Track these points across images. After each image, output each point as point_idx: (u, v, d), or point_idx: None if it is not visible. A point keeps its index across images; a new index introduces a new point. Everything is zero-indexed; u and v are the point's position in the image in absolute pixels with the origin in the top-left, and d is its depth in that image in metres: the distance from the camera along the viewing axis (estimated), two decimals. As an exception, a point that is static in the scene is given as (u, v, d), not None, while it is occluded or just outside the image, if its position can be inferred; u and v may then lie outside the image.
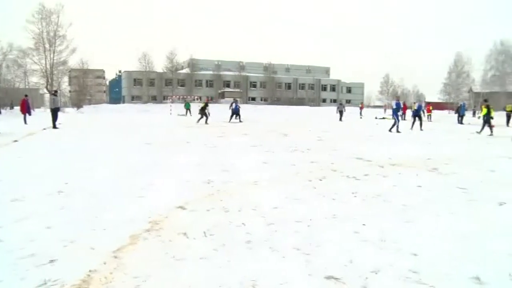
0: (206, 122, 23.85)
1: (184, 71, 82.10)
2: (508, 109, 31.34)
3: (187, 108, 38.66)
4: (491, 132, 19.17)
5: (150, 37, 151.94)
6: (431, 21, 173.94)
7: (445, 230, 4.46)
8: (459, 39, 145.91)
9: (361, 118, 40.92)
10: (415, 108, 22.57)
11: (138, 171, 7.73)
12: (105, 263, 3.42)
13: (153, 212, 4.92)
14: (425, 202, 5.75)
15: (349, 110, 50.32)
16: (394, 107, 20.42)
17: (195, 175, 7.31)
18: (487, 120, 19.91)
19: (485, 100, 19.50)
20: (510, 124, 29.44)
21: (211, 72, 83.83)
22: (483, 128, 19.76)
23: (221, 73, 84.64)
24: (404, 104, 40.87)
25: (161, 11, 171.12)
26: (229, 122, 26.34)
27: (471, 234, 4.36)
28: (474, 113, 44.80)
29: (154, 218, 4.70)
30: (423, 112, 26.86)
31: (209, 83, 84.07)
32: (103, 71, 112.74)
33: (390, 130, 19.27)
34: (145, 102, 72.58)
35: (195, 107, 30.67)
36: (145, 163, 8.72)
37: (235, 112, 27.48)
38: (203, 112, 24.21)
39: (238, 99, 35.70)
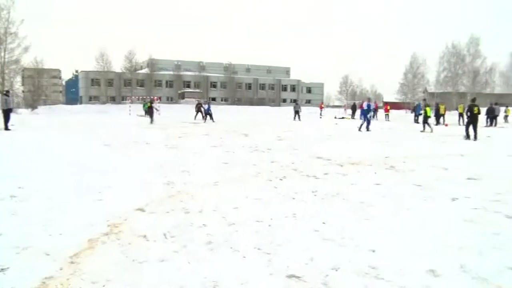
0: (151, 122, 24.30)
1: (143, 71, 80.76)
2: (460, 110, 32.83)
3: (146, 109, 38.07)
4: (424, 129, 20.44)
5: (108, 36, 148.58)
6: (390, 22, 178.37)
7: (402, 226, 4.59)
8: (415, 40, 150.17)
9: (321, 117, 41.50)
10: (364, 107, 22.75)
11: (96, 173, 7.55)
12: (61, 269, 3.33)
13: (112, 215, 4.83)
14: (383, 199, 5.90)
15: (309, 110, 51.04)
16: (365, 108, 20.74)
17: (155, 177, 7.22)
18: (424, 119, 21.39)
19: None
20: (461, 123, 30.81)
21: (171, 72, 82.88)
22: (424, 126, 20.91)
23: (181, 73, 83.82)
24: (375, 104, 42.04)
25: (119, 9, 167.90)
26: (204, 122, 26.85)
27: (426, 229, 4.51)
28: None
29: (113, 221, 4.62)
30: (374, 112, 27.63)
31: (169, 84, 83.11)
32: (59, 71, 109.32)
33: (359, 129, 19.62)
34: (104, 103, 70.85)
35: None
36: (103, 165, 8.54)
37: (207, 113, 27.77)
38: (150, 111, 24.69)
39: (207, 100, 35.82)
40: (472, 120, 16.53)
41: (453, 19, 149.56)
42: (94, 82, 78.30)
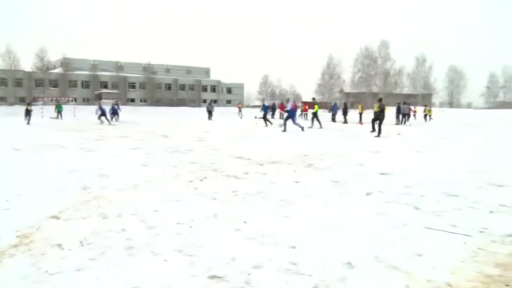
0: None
1: (56, 70, 76.69)
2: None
3: (59, 111, 36.27)
4: (312, 125, 21.96)
5: (14, 32, 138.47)
6: (307, 23, 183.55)
7: (320, 222, 4.75)
8: (332, 41, 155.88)
9: (241, 118, 41.87)
10: (287, 108, 23.17)
11: (3, 180, 7.06)
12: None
13: (22, 225, 4.53)
14: (301, 196, 6.07)
15: (230, 111, 51.26)
16: (288, 108, 20.98)
17: (70, 182, 6.89)
18: (314, 116, 23.56)
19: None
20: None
21: (86, 73, 79.50)
22: (312, 123, 22.36)
23: (98, 73, 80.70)
24: (294, 104, 42.97)
25: (27, 4, 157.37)
26: (109, 124, 25.83)
27: (342, 223, 4.71)
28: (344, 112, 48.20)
29: (23, 232, 4.33)
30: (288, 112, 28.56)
31: (85, 84, 79.71)
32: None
33: (303, 130, 19.84)
34: (12, 104, 66.17)
35: (70, 109, 28.87)
36: (12, 171, 8.00)
37: (115, 112, 27.07)
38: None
39: (118, 100, 34.85)
40: (375, 117, 17.77)
41: (366, 22, 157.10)
42: (1, 81, 73.00)
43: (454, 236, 4.30)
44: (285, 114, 20.63)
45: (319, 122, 23.16)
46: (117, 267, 3.42)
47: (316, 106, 24.49)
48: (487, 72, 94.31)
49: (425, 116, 41.83)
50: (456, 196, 6.13)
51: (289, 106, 20.90)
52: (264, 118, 26.16)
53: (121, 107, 28.35)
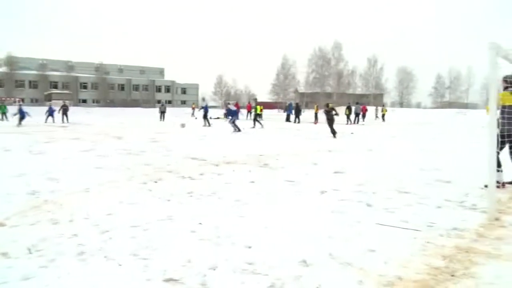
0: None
1: (0, 70, 73.49)
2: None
3: (3, 112, 34.73)
4: (254, 125, 22.38)
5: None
6: (262, 22, 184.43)
7: (276, 221, 4.79)
8: (286, 42, 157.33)
9: (195, 118, 41.66)
10: (229, 108, 23.00)
11: None
12: None
13: (-35, 233, 4.31)
14: (257, 196, 6.10)
15: (185, 111, 50.82)
16: (232, 109, 21.03)
17: (18, 186, 6.58)
18: (255, 117, 24.43)
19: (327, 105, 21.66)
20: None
21: (34, 72, 76.60)
22: (254, 123, 22.79)
23: (47, 73, 77.95)
24: (249, 104, 43.83)
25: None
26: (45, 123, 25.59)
27: (298, 222, 4.77)
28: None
29: (-34, 240, 4.12)
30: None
31: (33, 84, 76.87)
32: None
33: (239, 131, 19.81)
34: None
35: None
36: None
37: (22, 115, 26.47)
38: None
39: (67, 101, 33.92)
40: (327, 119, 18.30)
41: (319, 23, 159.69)
42: None
43: (404, 231, 4.45)
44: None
45: (260, 123, 23.65)
46: (68, 274, 3.30)
47: (258, 107, 25.00)
48: (434, 73, 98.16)
49: (383, 115, 43.06)
50: (407, 193, 6.35)
51: (232, 107, 20.98)
52: (205, 117, 26.46)
53: (27, 110, 27.15)
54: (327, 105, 19.15)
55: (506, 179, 6.47)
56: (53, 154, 10.77)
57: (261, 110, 43.90)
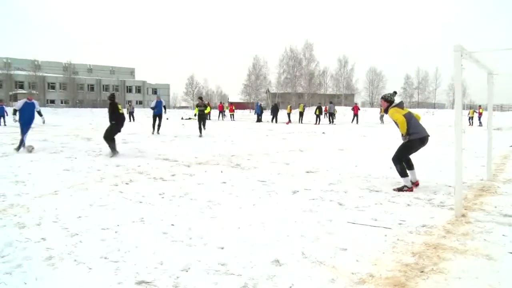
0: None
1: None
2: (300, 109, 36.38)
3: None
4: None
5: None
6: (232, 22, 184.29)
7: (248, 221, 4.80)
8: (257, 42, 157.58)
9: (167, 119, 41.34)
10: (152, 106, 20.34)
11: None
12: None
13: None
14: (229, 196, 6.10)
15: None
16: (153, 105, 19.71)
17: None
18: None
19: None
20: (302, 121, 34.11)
21: (-2, 71, 74.47)
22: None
23: (12, 72, 75.82)
24: (220, 104, 44.02)
25: None
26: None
27: (270, 222, 4.79)
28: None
29: None
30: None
31: (-3, 83, 74.61)
32: None
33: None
34: None
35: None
36: None
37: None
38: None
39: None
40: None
41: (290, 23, 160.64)
42: None
43: (375, 229, 4.52)
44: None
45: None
46: (36, 280, 3.22)
47: (208, 108, 24.79)
48: (403, 74, 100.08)
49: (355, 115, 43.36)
50: (378, 192, 6.46)
51: (153, 104, 19.86)
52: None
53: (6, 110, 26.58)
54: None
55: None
56: (19, 156, 10.48)
57: (231, 110, 44.34)
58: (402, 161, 6.50)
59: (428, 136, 6.53)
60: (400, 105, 6.61)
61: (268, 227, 4.59)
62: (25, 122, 11.80)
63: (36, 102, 12.19)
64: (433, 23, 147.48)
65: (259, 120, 36.62)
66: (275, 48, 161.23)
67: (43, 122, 12.48)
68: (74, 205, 5.49)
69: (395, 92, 6.98)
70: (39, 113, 12.10)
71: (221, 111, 44.54)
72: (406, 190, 6.38)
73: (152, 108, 18.98)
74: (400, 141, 6.64)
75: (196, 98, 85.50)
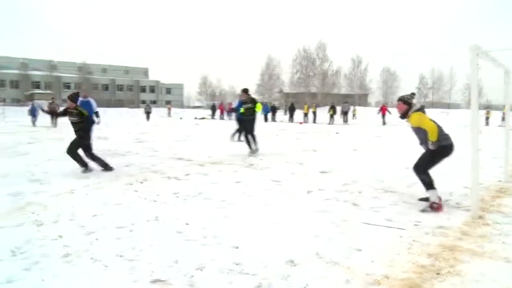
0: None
1: (-21, 69, 72.25)
2: (313, 109, 36.45)
3: None
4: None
5: None
6: (246, 22, 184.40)
7: (262, 221, 4.79)
8: (270, 42, 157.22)
9: (180, 119, 41.63)
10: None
11: None
12: None
13: None
14: (242, 196, 6.10)
15: (173, 111, 50.67)
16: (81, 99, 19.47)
17: (0, 188, 6.46)
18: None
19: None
20: (317, 121, 34.16)
21: (15, 71, 75.33)
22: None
23: (29, 72, 76.71)
24: (221, 104, 44.17)
25: None
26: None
27: (284, 221, 4.78)
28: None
29: None
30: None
31: (14, 84, 75.50)
32: None
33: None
34: None
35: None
36: None
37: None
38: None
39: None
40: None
41: (304, 23, 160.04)
42: None
43: (390, 230, 4.49)
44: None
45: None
46: (53, 276, 3.27)
47: (259, 105, 24.82)
48: (417, 73, 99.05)
49: (353, 115, 42.74)
50: (393, 192, 6.41)
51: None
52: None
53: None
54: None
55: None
56: (36, 155, 10.63)
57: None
58: (427, 171, 5.57)
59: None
60: (423, 110, 5.74)
61: (282, 227, 4.58)
62: None
63: (92, 100, 11.16)
64: (448, 21, 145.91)
65: (266, 120, 36.72)
66: (288, 47, 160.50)
67: (98, 123, 11.09)
68: (90, 204, 5.55)
69: (413, 94, 6.15)
70: (96, 114, 10.94)
71: (226, 111, 44.98)
72: (435, 208, 5.31)
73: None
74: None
75: (210, 97, 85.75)
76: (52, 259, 3.62)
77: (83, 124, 8.48)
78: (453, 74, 79.91)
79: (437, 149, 5.40)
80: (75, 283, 3.15)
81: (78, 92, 8.83)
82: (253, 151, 11.03)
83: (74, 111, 8.23)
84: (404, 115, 5.72)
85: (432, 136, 5.31)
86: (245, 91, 11.52)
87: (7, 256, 3.68)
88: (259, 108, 11.48)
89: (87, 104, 10.64)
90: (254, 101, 11.25)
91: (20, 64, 76.58)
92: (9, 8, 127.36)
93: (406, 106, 5.67)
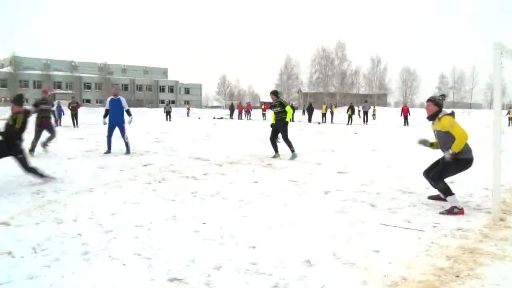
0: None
1: (5, 69, 73.58)
2: (332, 110, 36.57)
3: None
4: None
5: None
6: (264, 22, 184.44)
7: (279, 221, 4.78)
8: (289, 42, 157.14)
9: (199, 118, 41.88)
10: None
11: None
12: None
13: (-30, 232, 4.33)
14: (260, 196, 6.10)
15: (192, 111, 50.97)
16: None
17: (22, 186, 6.60)
18: None
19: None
20: (334, 121, 34.26)
21: (38, 72, 76.65)
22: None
23: (51, 73, 77.98)
24: (239, 104, 44.80)
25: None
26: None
27: (301, 222, 4.77)
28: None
29: (-29, 239, 4.13)
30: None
31: (37, 84, 76.58)
32: None
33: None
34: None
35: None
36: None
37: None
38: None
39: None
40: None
41: (322, 23, 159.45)
42: None
43: (409, 231, 4.43)
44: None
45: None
46: (73, 273, 3.31)
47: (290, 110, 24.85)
48: (438, 73, 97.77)
49: (373, 115, 42.70)
50: (411, 193, 6.34)
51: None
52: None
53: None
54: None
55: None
56: (57, 154, 10.79)
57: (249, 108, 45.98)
58: (443, 180, 5.40)
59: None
60: (453, 115, 5.45)
61: (299, 227, 4.57)
62: (109, 122, 10.92)
63: (122, 99, 11.03)
64: (469, 20, 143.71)
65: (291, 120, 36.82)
66: (307, 47, 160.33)
67: (129, 123, 11.15)
68: (109, 202, 5.61)
69: (444, 96, 5.83)
70: (128, 112, 11.03)
71: (248, 111, 45.48)
72: (456, 213, 5.13)
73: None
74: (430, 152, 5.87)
75: (228, 97, 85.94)
76: (71, 256, 3.67)
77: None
78: (475, 73, 78.61)
79: (459, 161, 5.24)
80: (93, 281, 3.18)
81: (22, 94, 7.43)
82: (277, 155, 10.51)
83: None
84: (433, 117, 5.50)
85: (459, 145, 5.12)
86: (274, 93, 10.84)
87: (28, 253, 3.74)
88: (289, 112, 10.53)
89: (117, 102, 10.86)
90: (283, 105, 10.50)
91: (43, 65, 77.92)
92: (32, 11, 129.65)
93: (437, 108, 5.45)
